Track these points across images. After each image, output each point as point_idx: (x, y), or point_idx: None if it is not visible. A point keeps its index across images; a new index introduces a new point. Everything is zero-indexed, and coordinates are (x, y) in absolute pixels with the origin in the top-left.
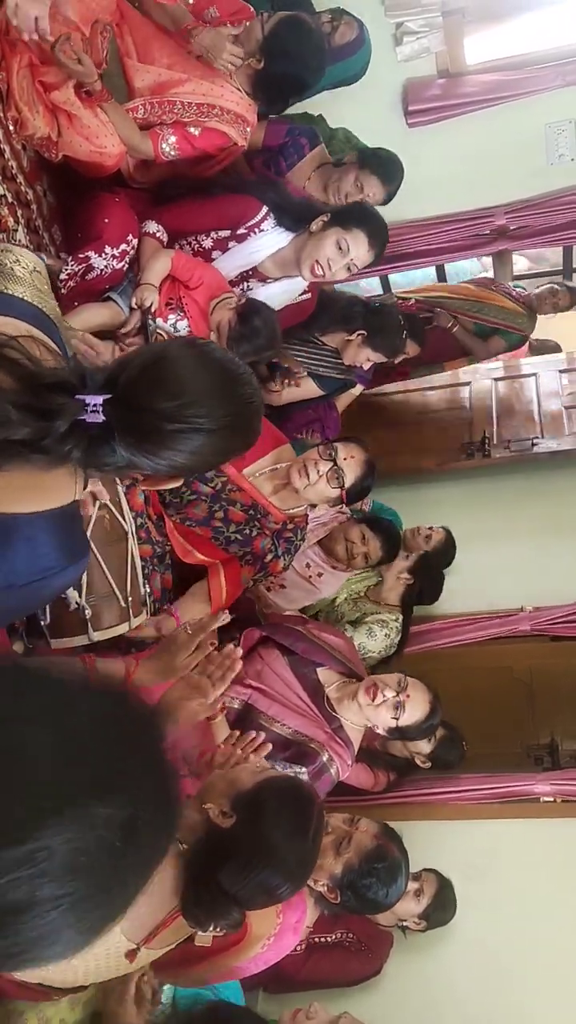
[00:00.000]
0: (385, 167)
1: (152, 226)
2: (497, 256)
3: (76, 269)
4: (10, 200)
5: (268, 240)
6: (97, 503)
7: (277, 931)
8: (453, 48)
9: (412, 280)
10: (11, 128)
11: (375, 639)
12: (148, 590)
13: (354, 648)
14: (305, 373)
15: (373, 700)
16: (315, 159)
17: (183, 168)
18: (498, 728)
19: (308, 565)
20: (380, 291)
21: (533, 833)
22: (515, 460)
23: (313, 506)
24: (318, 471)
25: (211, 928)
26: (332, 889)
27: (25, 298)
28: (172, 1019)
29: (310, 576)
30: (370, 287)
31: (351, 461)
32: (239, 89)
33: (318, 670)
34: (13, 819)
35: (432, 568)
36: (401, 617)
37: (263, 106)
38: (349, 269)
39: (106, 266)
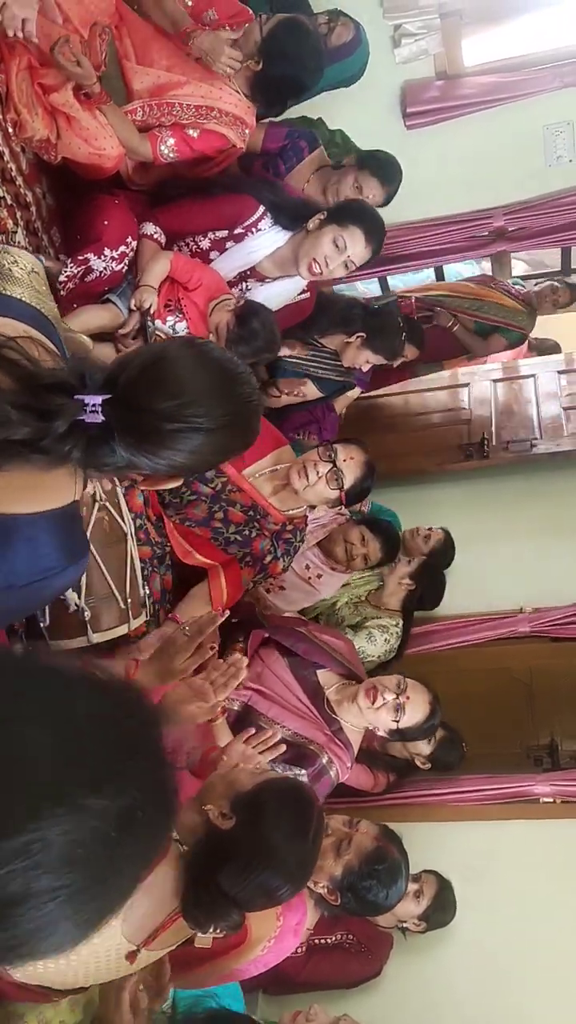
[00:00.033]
0: (384, 169)
1: (149, 228)
2: (496, 258)
3: (75, 271)
4: (9, 202)
5: (266, 239)
6: (96, 504)
7: (277, 933)
8: (451, 50)
9: (410, 283)
10: (10, 130)
11: (375, 643)
12: (148, 591)
13: (354, 650)
14: (307, 381)
15: (373, 703)
16: (314, 162)
17: (182, 170)
18: (498, 729)
19: (307, 567)
20: (379, 294)
21: (533, 834)
22: (514, 461)
23: (312, 507)
24: (317, 472)
25: (211, 930)
26: (332, 891)
27: (23, 299)
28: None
29: (309, 578)
30: (368, 290)
31: (351, 462)
32: (238, 91)
33: (318, 672)
34: (9, 811)
35: (434, 573)
36: (401, 622)
37: (262, 108)
38: (347, 266)
39: (105, 268)
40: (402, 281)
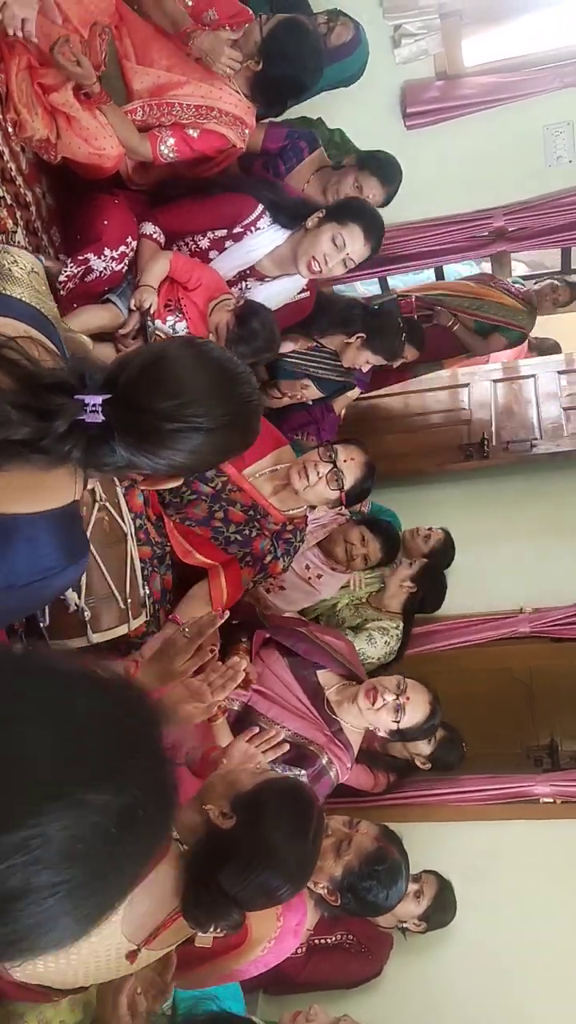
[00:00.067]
0: (384, 168)
1: (149, 228)
2: (496, 259)
3: (75, 271)
4: (9, 202)
5: (265, 238)
6: (96, 505)
7: (278, 934)
8: (451, 50)
9: (410, 284)
10: (10, 130)
11: (375, 646)
12: (148, 591)
13: (355, 650)
14: (309, 383)
15: (373, 704)
16: (314, 163)
17: (182, 170)
18: (498, 729)
19: (308, 567)
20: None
21: (533, 834)
22: (514, 461)
23: (312, 507)
24: (318, 473)
25: (211, 929)
26: (332, 892)
27: (23, 299)
28: None
29: (309, 578)
30: (368, 292)
31: (351, 463)
32: (237, 91)
33: (318, 672)
34: (8, 806)
35: (435, 576)
36: (402, 625)
37: (262, 108)
38: (345, 264)
39: (105, 268)
40: (402, 282)
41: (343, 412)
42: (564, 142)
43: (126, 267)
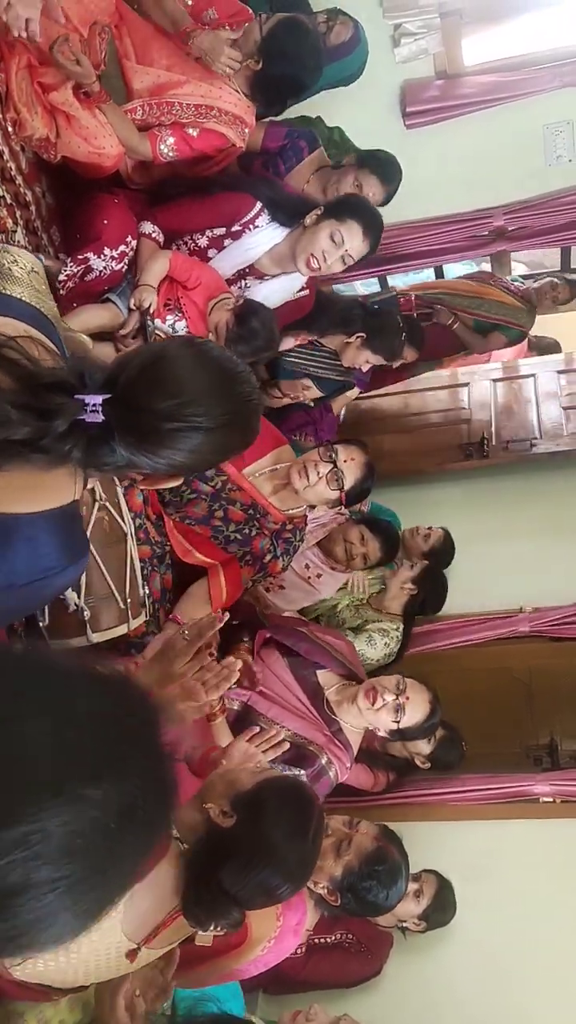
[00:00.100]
0: (384, 167)
1: (148, 227)
2: (496, 258)
3: (75, 270)
4: (9, 201)
5: (263, 236)
6: (96, 504)
7: (277, 934)
8: (451, 49)
9: (410, 284)
10: (10, 129)
11: (375, 647)
12: (147, 591)
13: (355, 650)
14: (310, 384)
15: (373, 704)
16: (314, 162)
17: (181, 169)
18: (497, 729)
19: (307, 566)
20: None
21: (532, 834)
22: (514, 461)
23: (312, 507)
24: (318, 473)
25: (211, 928)
26: (332, 891)
27: (23, 298)
28: None
29: (309, 577)
30: (367, 292)
31: (351, 463)
32: (237, 91)
33: (318, 672)
34: (8, 801)
35: (436, 579)
36: (402, 626)
37: (261, 107)
38: (344, 261)
39: (105, 267)
40: (402, 281)
41: (343, 412)
42: (564, 141)
43: (126, 266)
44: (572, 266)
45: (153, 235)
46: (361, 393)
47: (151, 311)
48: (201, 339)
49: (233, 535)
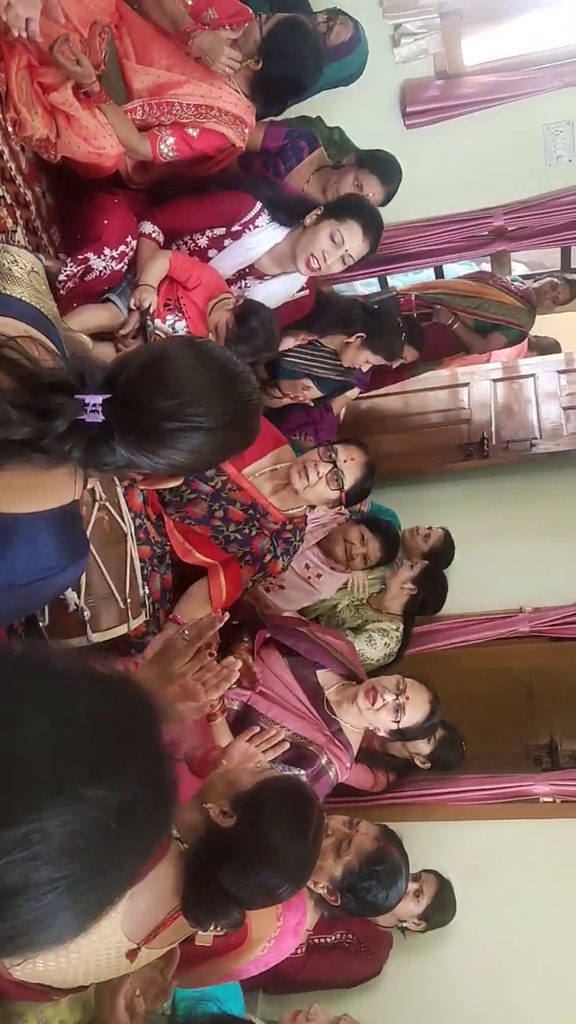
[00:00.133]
0: (384, 167)
1: (148, 227)
2: (496, 258)
3: (75, 270)
4: (9, 201)
5: (263, 236)
6: (96, 504)
7: (277, 934)
8: (451, 49)
9: (410, 284)
10: (10, 129)
11: (375, 647)
12: (147, 591)
13: (354, 650)
14: (310, 384)
15: (373, 704)
16: (314, 162)
17: (181, 169)
18: (497, 728)
19: (307, 566)
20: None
21: (532, 834)
22: (514, 461)
23: (312, 507)
24: (318, 473)
25: (212, 928)
26: (332, 892)
27: (23, 298)
28: None
29: (309, 577)
30: (367, 292)
31: (351, 463)
32: (237, 91)
33: (318, 672)
34: (8, 802)
35: (437, 579)
36: (402, 627)
37: (261, 107)
38: (344, 261)
39: (105, 267)
40: (402, 281)
41: (343, 412)
42: (564, 141)
43: (126, 266)
44: (572, 266)
45: (153, 235)
46: (361, 393)
47: (151, 311)
48: (201, 339)
49: (233, 535)
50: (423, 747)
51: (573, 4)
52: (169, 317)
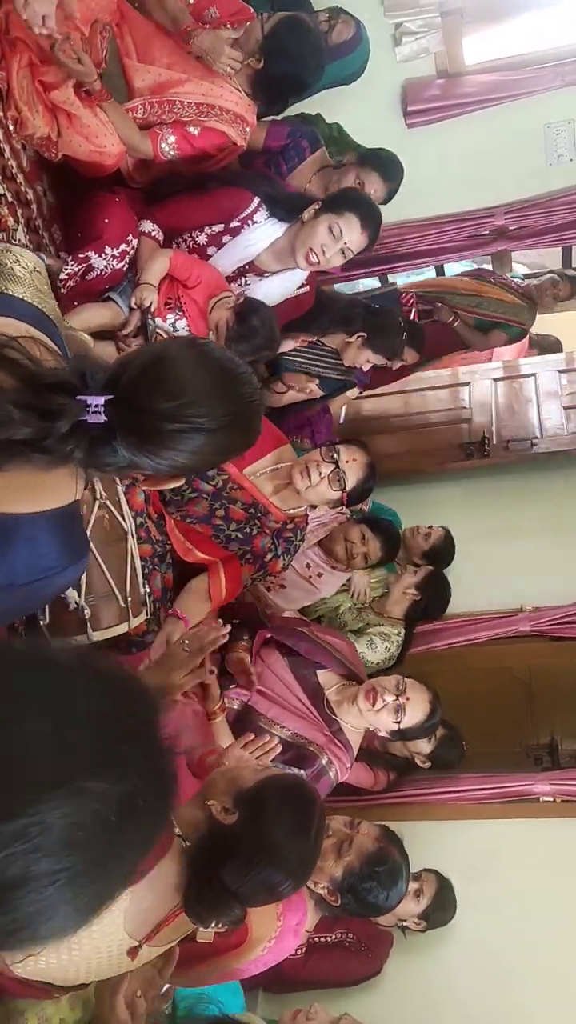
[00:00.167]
0: (385, 165)
1: (147, 225)
2: (496, 257)
3: (76, 269)
4: (10, 200)
5: (262, 232)
6: (97, 503)
7: (278, 934)
8: (452, 48)
9: (411, 282)
10: (11, 127)
11: (375, 650)
12: (148, 590)
13: (355, 650)
14: (316, 381)
15: (373, 705)
16: (316, 162)
17: (182, 168)
18: (498, 728)
19: (308, 565)
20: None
21: (533, 833)
22: (514, 460)
23: (313, 507)
24: (320, 473)
25: (213, 925)
26: (333, 892)
27: (25, 298)
28: None
29: (310, 576)
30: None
31: (353, 464)
32: (239, 89)
33: (318, 672)
34: (8, 794)
35: (439, 585)
36: (403, 631)
37: (263, 106)
38: (344, 254)
39: (106, 266)
40: (403, 280)
41: (343, 412)
42: (565, 140)
43: (127, 265)
44: (573, 265)
45: (153, 233)
46: (361, 392)
47: (152, 310)
48: (203, 340)
49: (234, 534)
50: (423, 746)
51: (573, 3)
52: (170, 316)
